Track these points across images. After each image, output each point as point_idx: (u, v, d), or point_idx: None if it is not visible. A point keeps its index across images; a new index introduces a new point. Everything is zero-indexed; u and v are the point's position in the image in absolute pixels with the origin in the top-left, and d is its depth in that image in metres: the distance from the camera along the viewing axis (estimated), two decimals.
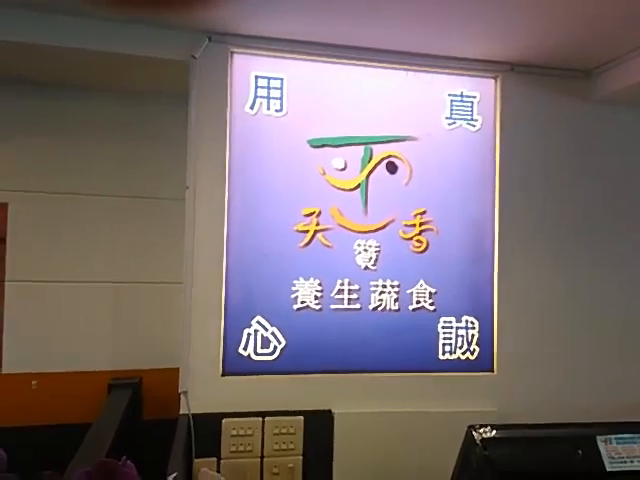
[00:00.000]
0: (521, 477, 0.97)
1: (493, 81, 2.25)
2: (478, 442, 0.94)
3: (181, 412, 1.91)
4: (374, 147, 2.11)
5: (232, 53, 2.01)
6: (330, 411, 2.01)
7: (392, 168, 2.12)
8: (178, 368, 2.38)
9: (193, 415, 1.90)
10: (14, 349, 2.24)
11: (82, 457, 1.45)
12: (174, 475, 0.78)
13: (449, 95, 2.20)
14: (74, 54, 1.95)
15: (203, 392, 1.94)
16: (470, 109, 2.21)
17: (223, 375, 1.97)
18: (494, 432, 0.99)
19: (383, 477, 2.00)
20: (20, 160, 2.35)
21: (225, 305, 1.98)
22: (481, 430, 0.98)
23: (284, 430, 1.95)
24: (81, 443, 1.63)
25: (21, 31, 1.85)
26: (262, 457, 1.93)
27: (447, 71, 2.20)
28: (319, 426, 1.99)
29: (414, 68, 2.16)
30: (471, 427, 0.98)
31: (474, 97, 2.23)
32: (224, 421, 1.92)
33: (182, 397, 1.92)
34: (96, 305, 2.34)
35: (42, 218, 2.32)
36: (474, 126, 2.21)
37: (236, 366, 1.98)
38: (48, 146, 2.36)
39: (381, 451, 2.00)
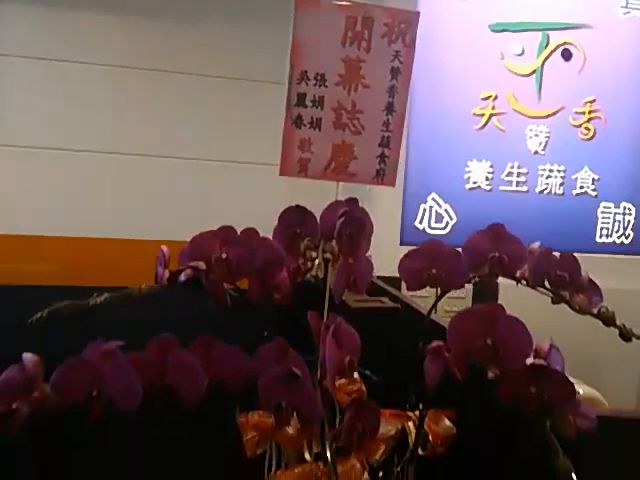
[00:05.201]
0: None
1: None
2: None
3: None
4: (551, 34, 2.16)
5: None
6: (496, 283, 2.19)
7: (567, 55, 2.18)
8: None
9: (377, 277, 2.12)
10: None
11: None
12: None
13: None
14: None
15: (384, 258, 2.14)
16: None
17: (401, 244, 2.17)
18: None
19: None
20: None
21: (404, 181, 2.15)
22: None
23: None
24: None
25: None
26: None
27: None
28: (487, 298, 2.19)
29: None
30: None
31: None
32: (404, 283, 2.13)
33: None
34: None
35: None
36: None
37: (412, 237, 2.17)
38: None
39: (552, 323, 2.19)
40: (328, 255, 0.79)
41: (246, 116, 2.19)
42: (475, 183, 2.18)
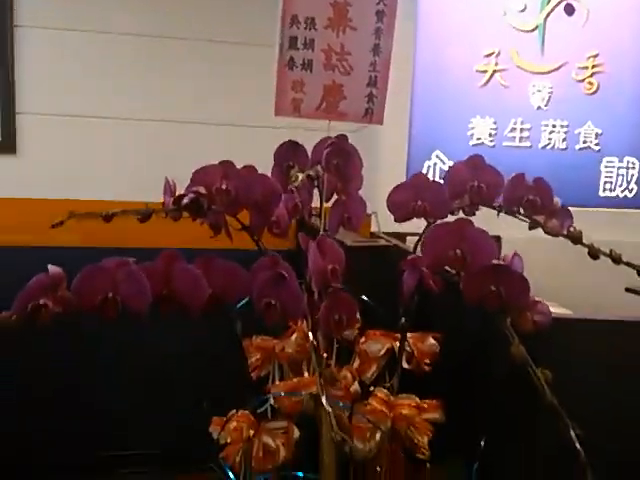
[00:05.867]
0: None
1: None
2: None
3: (372, 230, 2.22)
4: None
5: None
6: (499, 237, 2.25)
7: (570, 10, 2.19)
8: None
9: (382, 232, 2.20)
10: None
11: None
12: None
13: None
14: None
15: (389, 215, 2.22)
16: None
17: None
18: None
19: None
20: None
21: (409, 139, 2.21)
22: None
23: None
24: None
25: None
26: None
27: None
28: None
29: None
30: None
31: None
32: (408, 238, 2.21)
33: (373, 217, 2.21)
34: None
35: None
36: None
37: None
38: None
39: (551, 274, 2.26)
40: (312, 173, 0.87)
41: (239, 79, 2.27)
42: (479, 139, 2.23)
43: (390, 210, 1.07)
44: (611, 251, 0.88)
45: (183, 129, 2.30)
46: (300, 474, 0.85)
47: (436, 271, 0.81)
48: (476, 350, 1.05)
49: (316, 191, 1.07)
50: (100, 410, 2.19)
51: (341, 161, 0.95)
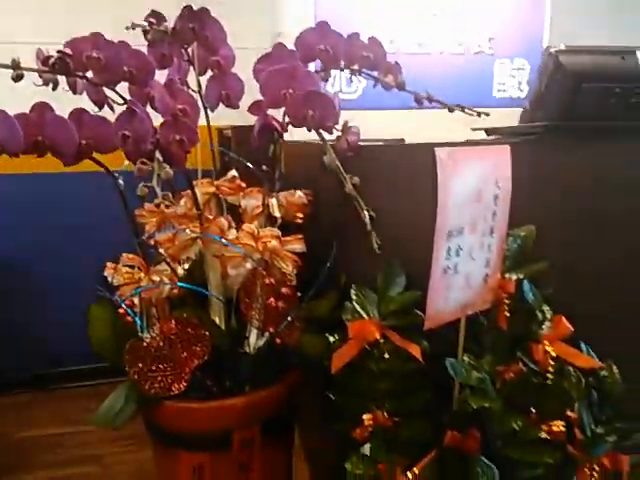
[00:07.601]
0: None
1: None
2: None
3: None
4: None
5: None
6: (403, 139, 2.42)
7: None
8: None
9: None
10: None
11: None
12: None
13: None
14: None
15: None
16: None
17: None
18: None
19: None
20: None
21: None
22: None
23: None
24: None
25: None
26: None
27: None
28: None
29: None
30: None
31: None
32: None
33: None
34: None
35: None
36: None
37: None
38: None
39: None
40: (154, 22, 0.97)
41: None
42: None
43: (255, 79, 1.20)
44: (427, 92, 1.04)
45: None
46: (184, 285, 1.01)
47: (273, 108, 0.95)
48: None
49: None
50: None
51: (197, 26, 1.06)
